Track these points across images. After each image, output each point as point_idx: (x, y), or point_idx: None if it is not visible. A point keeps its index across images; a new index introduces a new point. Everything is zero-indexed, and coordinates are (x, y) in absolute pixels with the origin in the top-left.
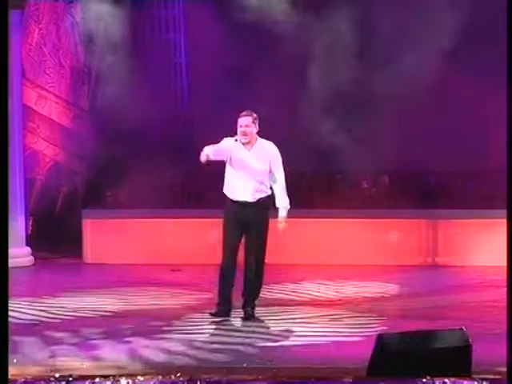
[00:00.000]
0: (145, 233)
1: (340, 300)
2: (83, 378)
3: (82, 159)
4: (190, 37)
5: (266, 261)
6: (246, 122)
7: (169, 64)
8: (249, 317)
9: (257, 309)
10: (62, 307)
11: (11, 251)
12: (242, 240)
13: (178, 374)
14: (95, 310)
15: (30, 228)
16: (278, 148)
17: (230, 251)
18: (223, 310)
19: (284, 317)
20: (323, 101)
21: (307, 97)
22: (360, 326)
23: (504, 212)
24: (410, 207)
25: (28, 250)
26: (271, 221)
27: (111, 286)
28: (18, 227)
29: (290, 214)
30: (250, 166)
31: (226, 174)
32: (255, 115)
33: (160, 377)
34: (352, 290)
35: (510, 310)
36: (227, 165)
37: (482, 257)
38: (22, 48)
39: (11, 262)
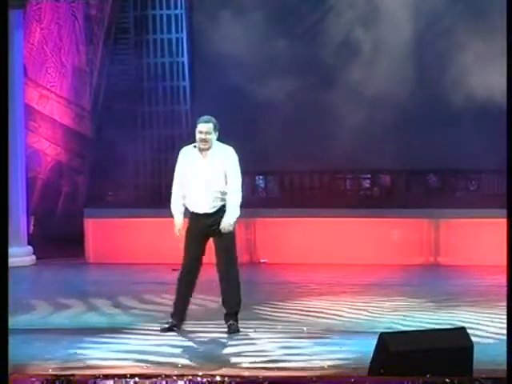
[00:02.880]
0: (147, 232)
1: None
2: (85, 376)
3: (84, 158)
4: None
5: (267, 260)
6: (207, 129)
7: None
8: (234, 331)
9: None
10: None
11: (12, 250)
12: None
13: (180, 373)
14: (97, 310)
15: (32, 227)
16: (281, 147)
17: (190, 262)
18: (176, 322)
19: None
20: (324, 98)
21: (309, 94)
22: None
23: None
24: (411, 206)
25: (29, 249)
26: (270, 220)
27: (113, 285)
28: (19, 226)
29: (291, 214)
30: (205, 174)
31: (185, 187)
32: (215, 121)
33: (163, 375)
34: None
35: (510, 309)
36: (185, 177)
37: (484, 256)
38: (24, 47)
39: (12, 262)
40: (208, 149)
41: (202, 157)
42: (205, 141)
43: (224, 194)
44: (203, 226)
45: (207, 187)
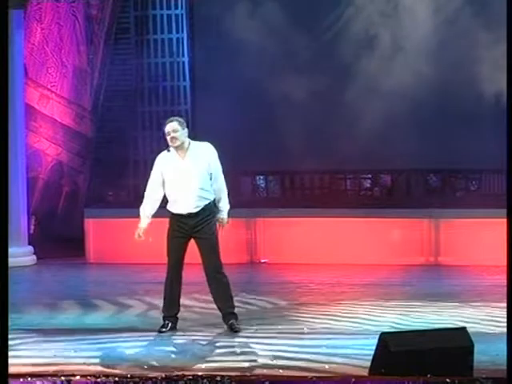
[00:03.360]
0: (147, 232)
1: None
2: (85, 376)
3: (85, 158)
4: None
5: (268, 260)
6: (173, 128)
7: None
8: (235, 330)
9: None
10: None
11: (13, 250)
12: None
13: (180, 373)
14: (97, 310)
15: (32, 227)
16: (282, 147)
17: (174, 265)
18: (170, 324)
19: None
20: (325, 100)
21: (310, 95)
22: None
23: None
24: (412, 206)
25: (30, 249)
26: (271, 220)
27: (113, 285)
28: (20, 226)
29: (292, 214)
30: (187, 173)
31: (165, 190)
32: (182, 119)
33: (163, 375)
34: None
35: (510, 309)
36: (165, 182)
37: (484, 256)
38: (25, 47)
39: (13, 262)
40: (181, 147)
41: (180, 158)
42: (174, 139)
43: (207, 192)
44: (186, 227)
45: (190, 186)
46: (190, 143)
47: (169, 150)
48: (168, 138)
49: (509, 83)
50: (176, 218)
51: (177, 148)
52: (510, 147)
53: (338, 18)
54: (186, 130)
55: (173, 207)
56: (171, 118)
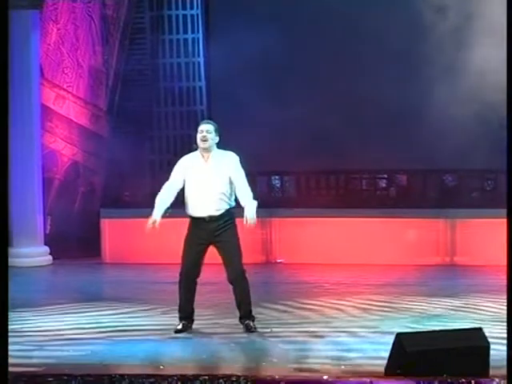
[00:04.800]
0: (163, 232)
1: None
2: (100, 376)
3: (100, 159)
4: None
5: (283, 260)
6: (207, 128)
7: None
8: (251, 330)
9: None
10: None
11: (29, 251)
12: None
13: (196, 373)
14: (112, 310)
15: (48, 227)
16: (297, 147)
17: (189, 268)
18: (186, 324)
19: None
20: (341, 99)
21: (327, 97)
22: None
23: None
24: (428, 206)
25: (46, 249)
26: (287, 220)
27: (129, 285)
28: (35, 227)
29: (307, 214)
30: (210, 176)
31: (186, 193)
32: (216, 125)
33: (179, 375)
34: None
35: (510, 310)
36: (186, 182)
37: (500, 256)
38: (40, 48)
39: (29, 262)
40: (209, 149)
41: (204, 161)
42: (205, 139)
43: (227, 197)
44: (207, 232)
45: (212, 188)
46: (214, 149)
47: (195, 149)
48: (199, 136)
49: (509, 83)
50: (196, 223)
51: (204, 150)
52: (509, 147)
53: None
54: (218, 137)
55: (193, 210)
56: (208, 120)
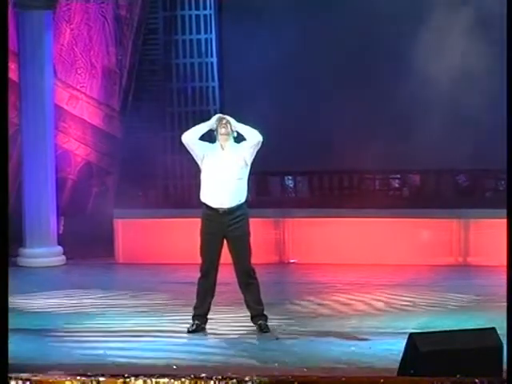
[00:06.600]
0: (176, 232)
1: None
2: (114, 376)
3: (113, 159)
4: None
5: (296, 260)
6: (228, 118)
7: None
8: (264, 330)
9: None
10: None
11: (42, 251)
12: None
13: (209, 374)
14: (125, 310)
15: (62, 228)
16: (310, 148)
17: (211, 264)
18: (200, 324)
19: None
20: (353, 98)
21: (339, 94)
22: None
23: None
24: (441, 207)
25: (59, 249)
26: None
27: (142, 285)
28: (49, 227)
29: (320, 214)
30: (226, 162)
31: (203, 180)
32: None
33: (192, 375)
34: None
35: (510, 309)
36: (203, 169)
37: None
38: (54, 48)
39: (42, 262)
40: (226, 138)
41: (221, 148)
42: (226, 125)
43: (243, 183)
44: (220, 225)
45: (229, 175)
46: (232, 141)
47: (214, 140)
48: (222, 122)
49: (509, 83)
50: (210, 215)
51: (222, 136)
52: (509, 147)
53: None
54: (235, 132)
55: (209, 199)
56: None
